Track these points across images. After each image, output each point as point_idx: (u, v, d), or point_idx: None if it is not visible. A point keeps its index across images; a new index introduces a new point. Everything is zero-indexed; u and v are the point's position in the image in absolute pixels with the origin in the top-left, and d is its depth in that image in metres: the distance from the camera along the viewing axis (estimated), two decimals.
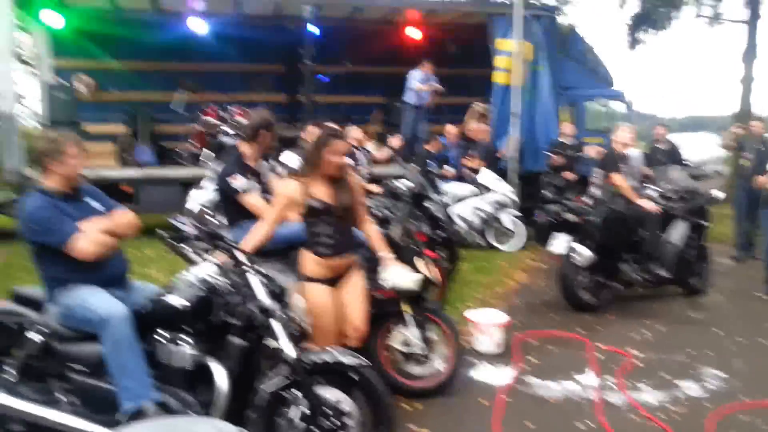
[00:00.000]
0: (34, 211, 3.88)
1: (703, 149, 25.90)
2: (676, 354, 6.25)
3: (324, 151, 4.41)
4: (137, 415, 3.60)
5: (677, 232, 8.08)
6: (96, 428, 3.70)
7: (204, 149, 12.80)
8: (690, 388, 5.48)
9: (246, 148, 5.49)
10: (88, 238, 3.86)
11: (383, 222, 5.52)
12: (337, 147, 4.46)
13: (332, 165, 4.44)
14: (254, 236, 4.44)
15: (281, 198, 4.51)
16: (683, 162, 11.15)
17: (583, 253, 7.30)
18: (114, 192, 10.31)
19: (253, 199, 5.28)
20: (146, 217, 5.69)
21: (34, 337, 3.88)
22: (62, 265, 3.89)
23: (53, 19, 12.82)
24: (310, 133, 7.79)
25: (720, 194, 8.66)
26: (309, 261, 4.48)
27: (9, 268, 9.38)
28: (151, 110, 14.49)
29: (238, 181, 5.24)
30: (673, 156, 10.55)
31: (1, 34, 11.11)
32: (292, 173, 4.77)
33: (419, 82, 13.23)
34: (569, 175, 12.02)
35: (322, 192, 4.40)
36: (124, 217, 4.15)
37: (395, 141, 12.47)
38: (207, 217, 4.11)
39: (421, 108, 13.55)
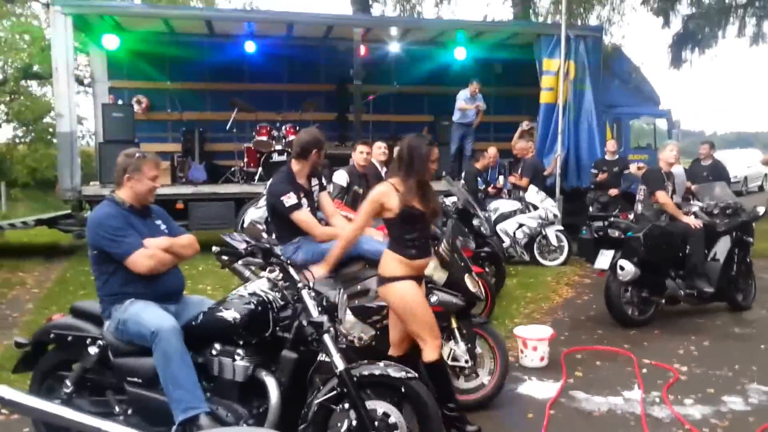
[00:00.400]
0: (105, 218, 4.05)
1: (749, 165, 25.69)
2: (721, 369, 6.29)
3: (426, 159, 4.55)
4: (190, 425, 3.71)
5: (721, 248, 8.12)
6: None
7: (257, 167, 13.01)
8: (735, 402, 5.52)
9: (296, 166, 5.63)
10: (149, 253, 4.01)
11: (431, 238, 5.64)
12: (435, 154, 4.63)
13: (431, 172, 4.62)
14: (338, 248, 4.70)
15: (374, 204, 4.56)
16: (729, 179, 11.13)
17: (628, 269, 7.38)
18: (168, 210, 10.79)
19: (303, 216, 5.43)
20: (197, 234, 5.86)
21: (92, 350, 4.06)
22: (120, 276, 4.03)
23: (110, 42, 13.28)
24: (359, 150, 7.96)
25: (762, 209, 8.69)
26: (395, 263, 4.53)
27: (66, 283, 9.63)
28: (205, 129, 14.77)
29: (290, 199, 5.38)
30: (717, 173, 10.55)
31: (60, 57, 11.55)
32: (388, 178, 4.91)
33: (464, 101, 13.40)
34: (613, 192, 12.12)
35: (416, 198, 4.51)
36: (186, 239, 4.33)
37: None
38: (260, 233, 4.22)
39: (468, 126, 13.72)
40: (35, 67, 23.94)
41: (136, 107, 14.34)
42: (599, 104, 13.55)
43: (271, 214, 5.74)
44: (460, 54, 14.66)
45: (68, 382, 4.10)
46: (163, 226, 4.32)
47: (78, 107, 13.30)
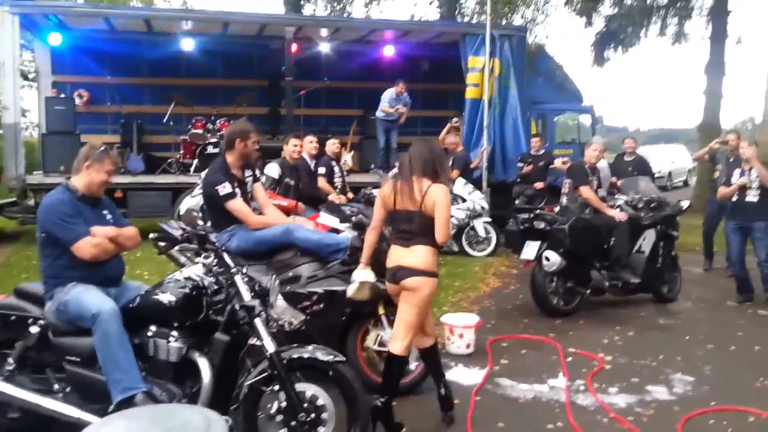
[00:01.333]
0: (57, 203, 4.16)
1: (673, 160, 26.29)
2: (646, 359, 6.31)
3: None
4: (127, 404, 3.74)
5: (646, 241, 8.21)
6: (88, 416, 3.86)
7: (193, 159, 13.43)
8: (659, 392, 5.53)
9: (229, 157, 5.65)
10: (94, 242, 4.13)
11: (359, 227, 5.60)
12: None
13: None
14: (367, 244, 4.89)
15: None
16: (652, 174, 11.29)
17: (554, 260, 7.37)
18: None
19: (237, 205, 5.47)
20: (135, 222, 5.82)
21: (33, 330, 4.16)
22: (64, 259, 4.14)
23: (54, 39, 14.03)
24: (291, 143, 8.13)
25: (686, 203, 8.81)
26: (435, 258, 4.64)
27: (10, 267, 9.95)
28: (143, 122, 15.34)
29: (224, 188, 5.41)
30: (641, 168, 10.67)
31: (7, 54, 12.07)
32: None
33: (388, 103, 13.65)
34: (539, 185, 12.24)
35: None
36: (130, 230, 4.44)
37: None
38: (196, 220, 4.19)
39: (391, 122, 13.93)
40: None
41: (77, 100, 14.88)
42: (524, 100, 13.80)
43: (207, 203, 5.76)
44: (389, 51, 15.16)
45: (10, 360, 4.21)
46: (108, 216, 4.42)
47: (22, 100, 14.05)
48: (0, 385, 4.04)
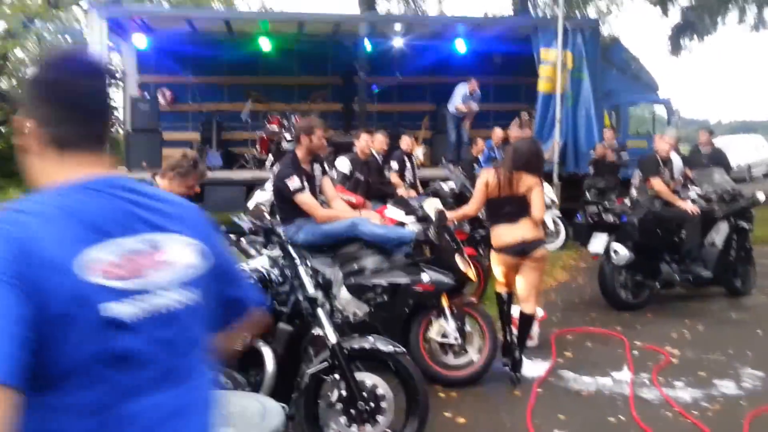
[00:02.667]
0: None
1: (752, 151, 25.46)
2: (715, 353, 6.21)
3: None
4: None
5: (719, 234, 8.05)
6: None
7: (268, 155, 13.70)
8: (726, 386, 5.43)
9: (299, 152, 5.77)
10: None
11: (423, 220, 5.69)
12: None
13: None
14: (462, 212, 5.89)
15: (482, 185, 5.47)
16: (729, 166, 11.01)
17: (622, 253, 7.30)
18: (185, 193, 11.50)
19: (306, 199, 5.57)
20: (212, 215, 5.95)
21: None
22: None
23: (140, 41, 14.45)
24: (362, 139, 8.21)
25: (762, 196, 8.58)
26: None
27: None
28: (222, 119, 15.72)
29: (293, 182, 5.51)
30: (717, 160, 10.43)
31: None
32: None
33: (462, 99, 13.70)
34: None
35: None
36: None
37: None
38: (263, 214, 4.29)
39: (464, 117, 14.02)
40: None
41: (161, 99, 15.32)
42: (597, 92, 13.55)
43: (277, 197, 5.91)
44: (461, 46, 15.02)
45: None
46: None
47: (111, 100, 14.22)
48: None
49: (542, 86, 13.46)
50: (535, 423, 4.72)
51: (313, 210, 5.59)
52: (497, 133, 12.59)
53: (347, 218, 5.66)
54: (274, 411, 2.83)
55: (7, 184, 16.52)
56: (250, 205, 10.50)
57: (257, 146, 14.35)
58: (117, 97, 16.28)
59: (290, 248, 4.21)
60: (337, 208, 5.93)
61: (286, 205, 5.71)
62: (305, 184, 5.61)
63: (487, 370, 5.45)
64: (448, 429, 4.67)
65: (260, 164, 13.81)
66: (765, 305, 7.98)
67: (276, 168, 6.19)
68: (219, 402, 2.59)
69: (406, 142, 10.17)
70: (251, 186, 12.40)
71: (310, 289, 4.00)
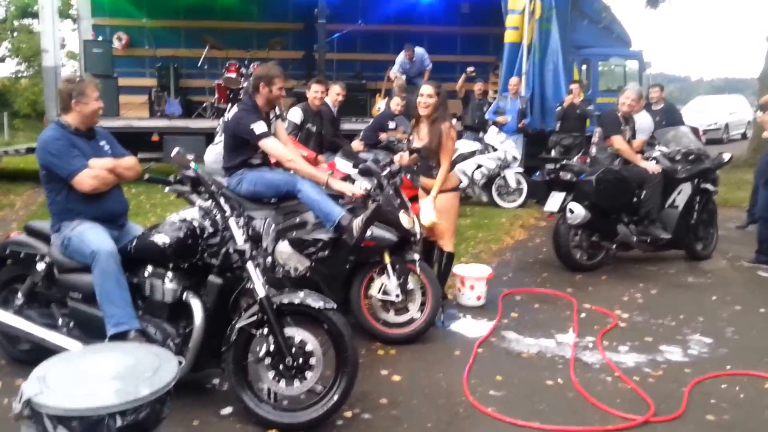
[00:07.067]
0: (51, 140, 4.23)
1: (731, 112, 25.34)
2: (665, 318, 6.08)
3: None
4: (120, 339, 3.93)
5: (681, 195, 7.90)
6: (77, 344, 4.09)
7: (227, 104, 13.31)
8: (672, 353, 5.30)
9: (259, 101, 5.52)
10: (92, 173, 4.20)
11: (366, 173, 5.51)
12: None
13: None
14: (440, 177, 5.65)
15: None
16: (682, 122, 10.80)
17: (578, 212, 7.14)
18: (144, 141, 12.07)
19: (273, 144, 5.36)
20: (170, 166, 5.81)
21: (40, 266, 4.40)
22: (67, 194, 4.24)
23: None
24: (313, 89, 7.90)
25: (728, 156, 8.41)
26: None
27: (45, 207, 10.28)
28: (179, 65, 15.34)
29: (260, 127, 5.29)
30: (669, 117, 10.24)
31: None
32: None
33: (400, 66, 13.61)
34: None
35: None
36: (129, 161, 4.51)
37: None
38: (188, 162, 4.11)
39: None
40: (34, 7, 25.98)
41: (116, 44, 15.37)
42: (566, 45, 13.22)
43: (228, 144, 5.59)
44: None
45: (19, 295, 4.50)
46: (107, 147, 4.48)
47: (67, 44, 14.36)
48: (8, 318, 4.32)
49: (509, 36, 13.16)
50: (471, 383, 4.61)
51: (281, 156, 5.36)
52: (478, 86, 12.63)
53: (309, 172, 5.40)
54: (169, 365, 2.73)
55: None
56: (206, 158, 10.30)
57: (216, 94, 13.98)
58: (72, 40, 16.01)
59: (220, 199, 4.09)
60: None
61: (239, 153, 5.46)
62: (270, 129, 5.40)
63: (428, 329, 5.38)
64: (383, 386, 4.55)
65: (220, 113, 13.21)
66: (724, 270, 7.85)
67: (232, 113, 5.88)
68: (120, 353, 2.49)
69: (394, 106, 10.09)
70: (211, 136, 12.14)
71: (240, 241, 3.96)
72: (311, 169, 5.57)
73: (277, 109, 5.84)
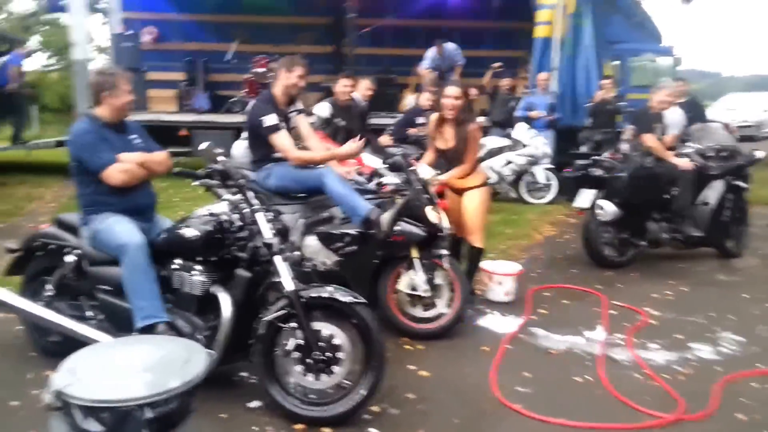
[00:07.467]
0: (82, 133, 4.25)
1: (765, 109, 24.98)
2: (695, 316, 6.01)
3: None
4: (148, 332, 3.96)
5: (713, 192, 7.81)
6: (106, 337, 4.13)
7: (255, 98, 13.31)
8: (703, 350, 5.24)
9: (275, 90, 5.56)
10: (122, 168, 4.23)
11: (395, 168, 5.50)
12: None
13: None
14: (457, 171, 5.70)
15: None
16: (704, 118, 10.66)
17: (608, 209, 7.09)
18: (172, 136, 11.98)
19: (281, 138, 5.35)
20: (199, 160, 5.85)
21: (69, 258, 4.42)
22: (96, 188, 4.26)
23: None
24: (341, 84, 7.90)
25: (762, 154, 8.30)
26: None
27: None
28: (208, 60, 15.48)
29: (270, 120, 5.31)
30: (692, 112, 10.10)
31: None
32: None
33: (430, 60, 13.44)
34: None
35: None
36: (160, 155, 4.53)
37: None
38: (216, 156, 4.14)
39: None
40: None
41: (145, 37, 15.45)
42: (599, 40, 13.14)
43: (250, 138, 5.67)
44: None
45: (49, 287, 4.52)
46: (138, 141, 4.49)
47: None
48: (39, 310, 4.35)
49: (540, 31, 13.05)
50: (498, 379, 4.58)
51: (286, 151, 5.36)
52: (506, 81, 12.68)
53: (321, 158, 5.45)
54: (198, 358, 2.74)
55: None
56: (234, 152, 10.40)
57: (244, 89, 14.02)
58: (101, 34, 16.19)
59: (249, 192, 4.12)
60: (313, 147, 5.70)
61: (259, 147, 5.51)
62: (282, 123, 5.40)
63: (456, 324, 5.36)
64: (410, 381, 4.54)
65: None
66: (755, 268, 7.75)
67: (250, 106, 5.93)
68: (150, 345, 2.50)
69: (423, 101, 9.87)
70: (239, 130, 12.22)
71: (267, 234, 3.97)
72: (325, 152, 5.62)
73: (299, 104, 5.84)
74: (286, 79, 5.46)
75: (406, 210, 5.03)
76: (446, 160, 5.77)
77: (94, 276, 4.33)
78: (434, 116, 5.92)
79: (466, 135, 5.59)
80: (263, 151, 5.49)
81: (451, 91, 5.60)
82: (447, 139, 5.74)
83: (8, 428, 3.84)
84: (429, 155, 5.89)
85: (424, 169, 5.49)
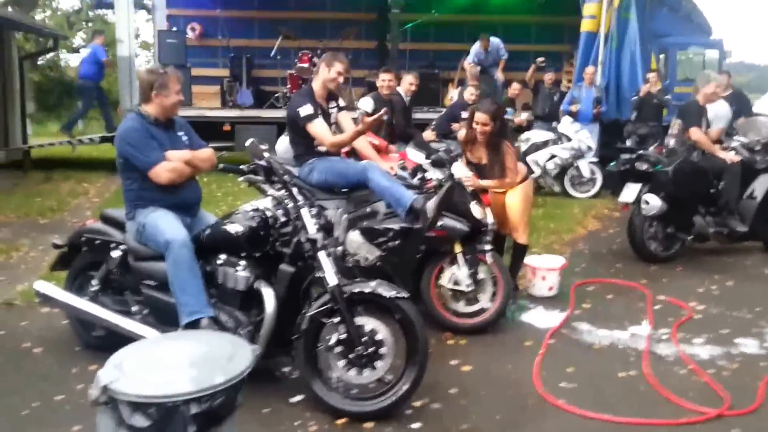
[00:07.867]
0: (130, 131, 4.30)
1: None
2: (741, 311, 5.94)
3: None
4: (193, 327, 4.01)
5: (759, 186, 7.69)
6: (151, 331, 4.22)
7: None
8: (748, 345, 5.18)
9: (315, 84, 5.62)
10: (169, 166, 4.28)
11: (438, 164, 5.50)
12: None
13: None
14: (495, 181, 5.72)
15: None
16: (750, 111, 10.47)
17: (653, 203, 7.03)
18: (216, 131, 12.01)
19: (317, 126, 5.38)
20: (241, 155, 5.92)
21: (115, 254, 4.50)
22: (142, 184, 4.32)
23: None
24: (381, 78, 7.93)
25: None
26: None
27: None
28: (252, 56, 15.37)
29: (306, 109, 5.35)
30: (737, 105, 9.92)
31: None
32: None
33: (475, 56, 13.39)
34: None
35: None
36: (205, 152, 4.58)
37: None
38: (262, 152, 4.19)
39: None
40: None
41: (190, 34, 15.68)
42: (645, 33, 12.95)
43: (290, 131, 5.76)
44: None
45: (95, 282, 4.61)
46: (184, 138, 4.54)
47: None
48: (84, 305, 4.44)
49: (585, 25, 12.95)
50: (541, 374, 4.59)
51: (323, 138, 5.40)
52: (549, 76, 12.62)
53: (350, 136, 5.51)
54: (243, 353, 2.75)
55: (45, 118, 16.78)
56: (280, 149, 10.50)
57: (288, 84, 13.95)
58: (146, 31, 16.35)
59: (293, 188, 4.14)
60: (356, 144, 5.78)
61: (299, 140, 5.57)
62: (318, 112, 5.43)
63: (499, 319, 5.37)
64: (452, 376, 4.56)
65: None
66: None
67: (291, 99, 6.00)
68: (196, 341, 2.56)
69: (468, 96, 9.96)
70: (282, 125, 12.25)
71: (312, 230, 3.99)
72: (343, 135, 5.61)
73: (341, 100, 5.87)
74: (325, 74, 5.51)
75: (450, 203, 5.03)
76: (478, 172, 5.76)
77: (139, 271, 4.37)
78: (462, 133, 5.99)
79: (500, 157, 5.63)
80: (304, 145, 5.54)
81: (480, 118, 5.59)
82: (479, 156, 5.78)
83: (53, 423, 3.90)
84: (463, 161, 5.91)
85: (458, 168, 5.51)
